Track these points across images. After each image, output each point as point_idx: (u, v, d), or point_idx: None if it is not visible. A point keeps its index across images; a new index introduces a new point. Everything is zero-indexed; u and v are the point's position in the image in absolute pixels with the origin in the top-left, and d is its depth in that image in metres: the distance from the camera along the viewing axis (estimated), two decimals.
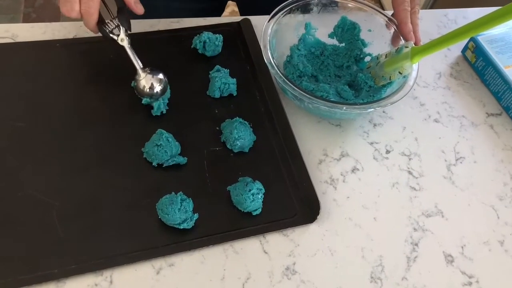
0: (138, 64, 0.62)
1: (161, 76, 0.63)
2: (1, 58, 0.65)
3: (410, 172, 0.64)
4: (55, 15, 1.90)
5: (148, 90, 0.62)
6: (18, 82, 0.63)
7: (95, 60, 0.67)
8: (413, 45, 0.63)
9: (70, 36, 0.69)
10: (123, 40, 0.61)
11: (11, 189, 0.54)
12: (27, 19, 1.87)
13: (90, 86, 0.64)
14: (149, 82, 0.62)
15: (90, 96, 0.63)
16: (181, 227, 0.53)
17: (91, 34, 0.69)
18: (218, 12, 0.94)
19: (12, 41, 0.67)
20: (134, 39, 0.63)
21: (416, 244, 0.58)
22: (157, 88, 0.62)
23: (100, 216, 0.54)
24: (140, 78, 0.62)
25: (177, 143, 0.59)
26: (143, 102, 0.63)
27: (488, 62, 0.73)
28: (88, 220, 0.53)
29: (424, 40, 0.76)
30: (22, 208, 0.53)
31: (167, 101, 0.64)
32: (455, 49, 0.79)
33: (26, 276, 0.49)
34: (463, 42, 0.77)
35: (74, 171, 0.57)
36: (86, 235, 0.52)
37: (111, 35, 0.60)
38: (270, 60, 0.63)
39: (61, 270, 0.50)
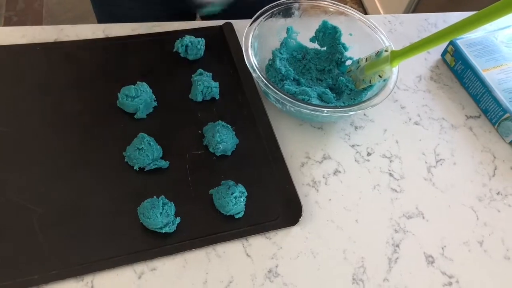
0: None
1: None
2: None
3: (391, 174, 0.65)
4: (36, 19, 1.88)
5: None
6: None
7: (77, 63, 0.66)
8: (393, 48, 0.64)
9: (51, 40, 0.69)
10: None
11: None
12: (8, 22, 1.85)
13: (71, 90, 0.64)
14: None
15: (71, 100, 0.63)
16: (163, 231, 0.53)
17: (72, 38, 0.69)
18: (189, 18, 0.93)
19: None
20: (116, 43, 0.63)
21: (397, 246, 0.58)
22: None
23: (82, 221, 0.53)
24: None
25: (158, 146, 0.59)
26: (203, 12, 0.59)
27: (467, 66, 0.74)
28: (69, 225, 0.53)
29: (404, 43, 0.77)
30: (2, 214, 0.53)
31: (153, 105, 0.64)
32: (435, 52, 0.80)
33: (6, 283, 0.48)
34: (442, 46, 0.79)
35: (55, 176, 0.56)
36: (67, 240, 0.52)
37: None
38: (252, 64, 0.63)
39: (41, 276, 0.49)
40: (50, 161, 0.57)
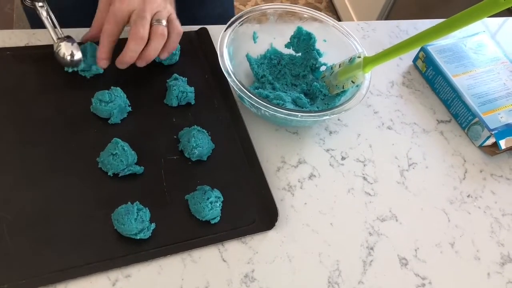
0: (56, 33, 0.63)
1: (76, 44, 0.63)
2: None
3: (365, 178, 0.66)
4: (8, 21, 1.84)
5: (69, 57, 0.62)
6: None
7: (48, 68, 0.65)
8: (366, 55, 0.65)
9: (22, 44, 0.68)
10: (42, 7, 0.63)
11: None
12: None
13: (43, 95, 0.63)
14: (69, 49, 0.62)
15: (44, 105, 0.62)
16: (138, 237, 0.53)
17: (43, 42, 0.68)
18: None
19: None
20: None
21: (372, 248, 0.59)
22: (77, 55, 0.63)
23: (54, 228, 0.52)
24: (58, 49, 0.63)
25: (133, 152, 0.59)
26: (66, 70, 0.64)
27: (438, 71, 0.76)
28: (41, 232, 0.52)
29: (377, 50, 0.79)
30: None
31: (127, 110, 0.63)
32: (407, 58, 0.82)
33: None
34: (414, 52, 0.81)
35: (27, 182, 0.55)
36: (39, 247, 0.51)
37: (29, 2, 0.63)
38: (227, 68, 0.64)
39: (11, 284, 0.48)
40: (22, 167, 0.56)
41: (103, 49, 0.61)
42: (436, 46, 0.79)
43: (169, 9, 0.64)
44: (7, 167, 0.56)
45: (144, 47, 0.61)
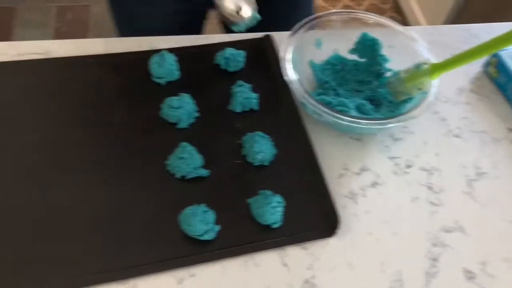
0: None
1: None
2: (35, 74, 0.68)
3: (430, 187, 0.64)
4: (84, 29, 1.96)
5: (235, 13, 0.54)
6: (51, 96, 0.66)
7: (125, 75, 0.69)
8: (433, 61, 0.64)
9: (100, 52, 0.72)
10: None
11: (40, 200, 0.57)
12: (57, 33, 1.94)
13: (118, 101, 0.67)
14: (237, 3, 0.54)
15: (118, 110, 0.66)
16: (203, 239, 0.55)
17: (119, 50, 0.72)
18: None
19: (45, 57, 0.70)
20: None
21: (436, 260, 0.58)
22: (247, 11, 0.53)
23: (125, 227, 0.56)
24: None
25: (199, 156, 0.61)
26: (233, 28, 0.56)
27: (511, 78, 0.73)
28: (113, 230, 0.55)
29: (445, 55, 0.76)
30: (50, 219, 0.55)
31: (195, 115, 0.66)
32: (476, 64, 0.79)
33: (53, 283, 0.51)
34: (484, 57, 0.77)
35: (100, 182, 0.59)
36: (111, 245, 0.54)
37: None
38: (290, 75, 0.65)
39: (86, 278, 0.52)
40: (96, 169, 0.60)
41: None
42: (510, 51, 0.75)
43: None
44: (83, 168, 0.60)
45: None
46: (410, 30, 0.72)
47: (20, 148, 0.61)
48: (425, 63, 0.63)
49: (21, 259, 0.52)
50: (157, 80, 0.68)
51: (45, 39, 1.88)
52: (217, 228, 0.56)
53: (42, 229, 0.55)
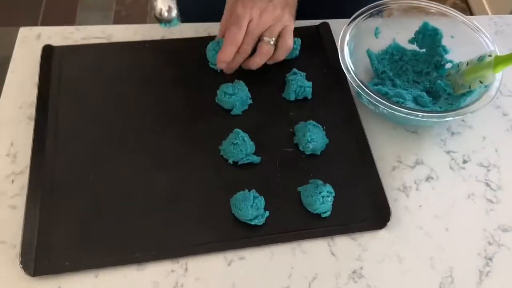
0: None
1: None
2: (98, 57, 0.71)
3: (487, 184, 0.62)
4: (143, 13, 2.01)
5: (166, 13, 0.58)
6: (112, 79, 0.69)
7: (181, 60, 0.71)
8: (497, 53, 0.61)
9: (158, 37, 0.74)
10: None
11: (102, 178, 0.60)
12: (117, 16, 2.00)
13: (175, 86, 0.69)
14: (166, 4, 0.58)
15: (175, 95, 0.68)
16: (253, 223, 0.56)
17: (177, 36, 0.74)
18: None
19: (107, 41, 0.73)
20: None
21: (490, 259, 0.56)
22: (174, 12, 0.58)
23: (179, 208, 0.58)
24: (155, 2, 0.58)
25: (252, 142, 0.62)
26: (161, 26, 0.60)
27: None
28: (168, 211, 0.58)
29: (511, 47, 0.73)
30: (110, 196, 0.58)
31: (248, 102, 0.67)
32: None
33: (112, 258, 0.54)
34: None
35: (157, 164, 0.61)
36: (166, 224, 0.57)
37: None
38: (347, 64, 0.64)
39: (142, 255, 0.54)
40: (153, 151, 0.62)
41: (222, 53, 0.65)
42: None
43: (285, 21, 0.66)
44: (142, 150, 0.63)
45: (249, 57, 0.66)
46: (473, 20, 0.69)
47: (83, 127, 0.64)
48: (489, 55, 0.61)
49: (82, 236, 0.55)
50: (213, 67, 0.70)
51: (106, 22, 1.95)
52: (267, 214, 0.57)
53: (101, 208, 0.57)
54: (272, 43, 0.66)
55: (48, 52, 0.69)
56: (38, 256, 0.53)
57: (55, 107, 0.64)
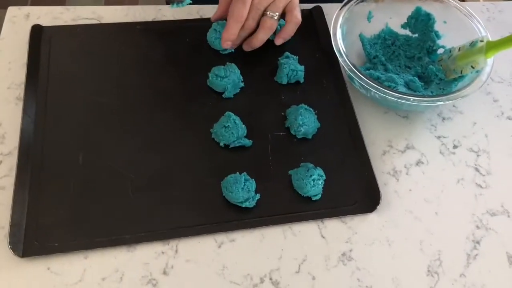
0: None
1: None
2: (88, 38, 0.70)
3: (477, 169, 0.62)
4: None
5: None
6: (102, 61, 0.68)
7: (172, 42, 0.70)
8: (489, 39, 0.61)
9: (149, 19, 0.73)
10: None
11: (92, 159, 0.59)
12: None
13: (166, 68, 0.68)
14: None
15: (166, 77, 0.67)
16: (243, 206, 0.56)
17: (169, 17, 0.73)
18: None
19: (97, 22, 0.72)
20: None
21: (478, 242, 0.57)
22: None
23: (170, 190, 0.58)
24: None
25: (243, 125, 0.62)
26: (172, 7, 0.62)
27: None
28: (159, 193, 0.57)
29: (503, 33, 0.73)
30: (100, 178, 0.58)
31: (240, 85, 0.66)
32: None
33: (102, 239, 0.54)
34: None
35: (148, 146, 0.61)
36: (156, 206, 0.56)
37: None
38: (339, 48, 0.64)
39: (132, 236, 0.54)
40: (144, 133, 0.62)
41: (227, 31, 0.64)
42: None
43: None
44: (133, 131, 0.62)
45: (251, 34, 0.65)
46: (466, 6, 0.69)
47: (73, 109, 0.63)
48: (480, 40, 0.61)
49: (71, 217, 0.55)
50: (213, 46, 0.69)
51: (97, 3, 1.92)
52: (258, 196, 0.57)
53: (91, 189, 0.57)
54: (276, 17, 0.65)
55: (37, 32, 0.68)
56: (27, 237, 0.52)
57: (44, 87, 0.64)
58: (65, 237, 0.53)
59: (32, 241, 0.52)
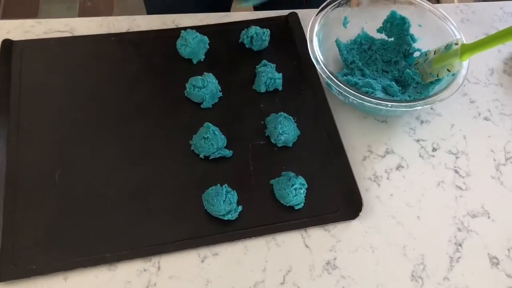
0: None
1: None
2: (61, 51, 0.68)
3: (456, 171, 0.63)
4: (109, 4, 1.96)
5: None
6: (76, 74, 0.67)
7: (147, 53, 0.69)
8: (464, 42, 0.62)
9: (124, 30, 0.72)
10: None
11: (69, 175, 0.58)
12: (82, 8, 1.94)
13: (142, 79, 0.67)
14: None
15: (142, 88, 0.66)
16: (226, 218, 0.55)
17: (142, 28, 0.72)
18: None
19: (70, 34, 0.71)
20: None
21: (460, 245, 0.57)
22: None
23: (150, 205, 0.57)
24: None
25: (223, 136, 0.61)
26: (241, 5, 0.61)
27: None
28: (139, 208, 0.56)
29: (477, 35, 0.74)
30: (78, 195, 0.57)
31: (218, 95, 0.65)
32: (510, 43, 0.76)
33: (82, 259, 0.52)
34: None
35: (126, 161, 0.60)
36: (136, 222, 0.55)
37: None
38: (316, 55, 0.63)
39: (113, 254, 0.53)
40: (122, 147, 0.61)
41: None
42: None
43: None
44: (109, 146, 0.61)
45: None
46: (440, 8, 0.69)
47: (47, 124, 0.62)
48: (455, 43, 0.61)
49: (49, 238, 0.54)
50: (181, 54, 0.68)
51: (71, 14, 1.89)
52: (240, 208, 0.56)
53: (69, 207, 0.56)
54: None
55: (7, 47, 0.66)
56: (3, 261, 0.51)
57: (17, 104, 0.62)
58: (43, 259, 0.52)
59: (8, 264, 0.51)
